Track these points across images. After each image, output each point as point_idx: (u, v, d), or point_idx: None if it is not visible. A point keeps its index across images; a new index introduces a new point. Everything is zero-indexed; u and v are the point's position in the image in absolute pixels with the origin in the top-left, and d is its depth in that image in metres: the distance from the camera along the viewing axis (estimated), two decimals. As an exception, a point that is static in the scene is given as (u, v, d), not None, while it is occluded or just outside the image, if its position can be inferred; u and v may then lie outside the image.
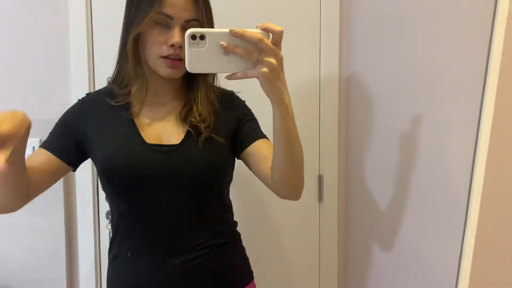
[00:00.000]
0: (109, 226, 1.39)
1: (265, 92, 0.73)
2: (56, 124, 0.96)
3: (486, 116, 0.75)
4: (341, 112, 1.53)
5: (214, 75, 0.98)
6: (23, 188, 0.82)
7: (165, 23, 0.85)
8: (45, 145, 0.92)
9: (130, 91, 0.94)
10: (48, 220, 1.38)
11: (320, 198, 1.56)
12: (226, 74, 0.73)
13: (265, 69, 0.68)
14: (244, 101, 1.04)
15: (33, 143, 1.35)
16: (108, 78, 0.98)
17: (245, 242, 1.07)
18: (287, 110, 0.75)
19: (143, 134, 0.91)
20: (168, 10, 0.84)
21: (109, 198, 0.97)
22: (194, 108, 0.93)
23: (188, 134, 0.92)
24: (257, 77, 0.70)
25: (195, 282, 0.93)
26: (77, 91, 1.38)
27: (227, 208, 1.03)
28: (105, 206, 1.42)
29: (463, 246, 0.75)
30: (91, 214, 1.41)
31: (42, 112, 1.38)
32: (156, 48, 0.87)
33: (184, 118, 0.93)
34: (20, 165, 0.77)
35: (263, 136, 0.97)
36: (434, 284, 1.02)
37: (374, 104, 1.35)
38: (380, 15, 1.30)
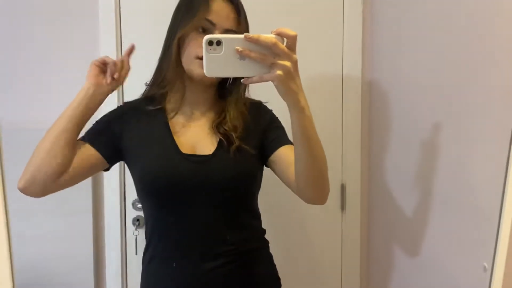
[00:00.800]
0: (136, 233, 1.42)
1: (281, 96, 0.74)
2: (96, 122, 0.99)
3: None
4: (364, 120, 1.53)
5: (245, 86, 1.01)
6: (64, 163, 0.87)
7: (207, 29, 0.91)
8: (84, 138, 0.95)
9: (166, 92, 0.98)
10: (76, 225, 1.41)
11: (343, 207, 1.55)
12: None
13: (279, 72, 0.70)
14: (271, 110, 1.06)
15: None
16: (145, 82, 1.02)
17: (270, 250, 1.08)
18: (303, 112, 0.76)
19: (177, 141, 0.95)
20: (212, 17, 0.91)
21: (143, 204, 1.00)
22: (227, 117, 0.97)
23: (220, 144, 0.95)
24: (272, 81, 0.71)
25: (229, 283, 0.95)
26: (107, 101, 1.41)
27: (256, 215, 1.05)
28: (132, 213, 1.45)
29: (495, 261, 0.74)
30: (118, 220, 1.44)
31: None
32: (193, 49, 0.91)
33: (216, 127, 0.97)
34: (78, 131, 0.89)
35: (288, 142, 0.98)
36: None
37: (397, 111, 1.34)
38: (404, 18, 1.30)
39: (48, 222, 1.39)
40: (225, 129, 0.95)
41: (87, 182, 1.40)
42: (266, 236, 1.08)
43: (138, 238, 1.42)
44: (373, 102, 1.51)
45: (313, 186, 0.87)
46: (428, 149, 1.15)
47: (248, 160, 0.96)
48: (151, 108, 0.98)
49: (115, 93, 1.39)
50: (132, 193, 1.43)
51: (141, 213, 1.38)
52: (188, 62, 0.93)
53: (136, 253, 1.43)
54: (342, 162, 1.54)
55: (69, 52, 1.41)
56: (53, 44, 1.41)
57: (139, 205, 1.42)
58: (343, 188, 1.55)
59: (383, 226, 1.46)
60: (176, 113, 0.98)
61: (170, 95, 0.99)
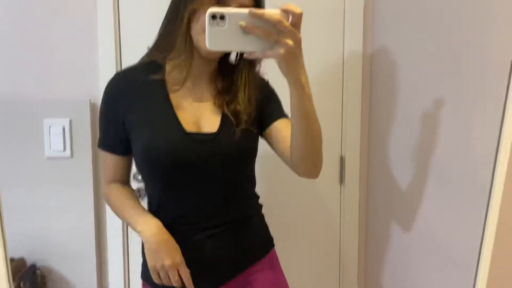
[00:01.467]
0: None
1: (282, 73, 0.74)
2: (100, 118, 0.99)
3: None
4: (364, 92, 1.52)
5: (260, 64, 0.97)
6: None
7: (222, 3, 0.85)
8: (105, 146, 0.99)
9: (166, 62, 0.95)
10: (77, 197, 1.43)
11: (342, 180, 1.56)
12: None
13: (282, 50, 0.69)
14: (267, 81, 1.05)
15: (63, 122, 1.40)
16: (148, 46, 0.98)
17: (267, 222, 1.11)
18: (303, 91, 0.76)
19: (180, 118, 0.93)
20: None
21: (144, 179, 1.01)
22: (240, 99, 0.95)
23: (223, 122, 0.94)
24: (275, 58, 0.71)
25: (228, 248, 0.98)
26: (105, 71, 1.41)
27: (253, 182, 1.07)
28: (133, 185, 1.45)
29: (485, 229, 0.75)
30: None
31: (70, 93, 1.41)
32: (204, 23, 0.87)
33: (227, 104, 0.95)
34: None
35: (284, 115, 0.99)
36: (455, 266, 1.02)
37: (398, 84, 1.33)
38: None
39: (49, 194, 1.41)
40: (237, 110, 0.94)
41: (87, 153, 1.41)
42: (262, 202, 1.10)
43: (139, 208, 1.45)
44: (373, 74, 1.49)
45: (308, 161, 0.88)
46: (428, 123, 1.15)
47: (251, 138, 0.97)
48: (151, 77, 0.94)
49: (113, 64, 1.40)
50: (132, 165, 1.44)
51: (142, 185, 1.40)
52: (197, 35, 0.89)
53: (137, 224, 1.45)
54: (342, 134, 1.54)
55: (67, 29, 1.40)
56: (49, 29, 1.39)
57: (140, 177, 1.44)
58: (342, 160, 1.55)
59: (382, 199, 1.47)
60: (180, 87, 0.94)
61: (171, 65, 0.94)
